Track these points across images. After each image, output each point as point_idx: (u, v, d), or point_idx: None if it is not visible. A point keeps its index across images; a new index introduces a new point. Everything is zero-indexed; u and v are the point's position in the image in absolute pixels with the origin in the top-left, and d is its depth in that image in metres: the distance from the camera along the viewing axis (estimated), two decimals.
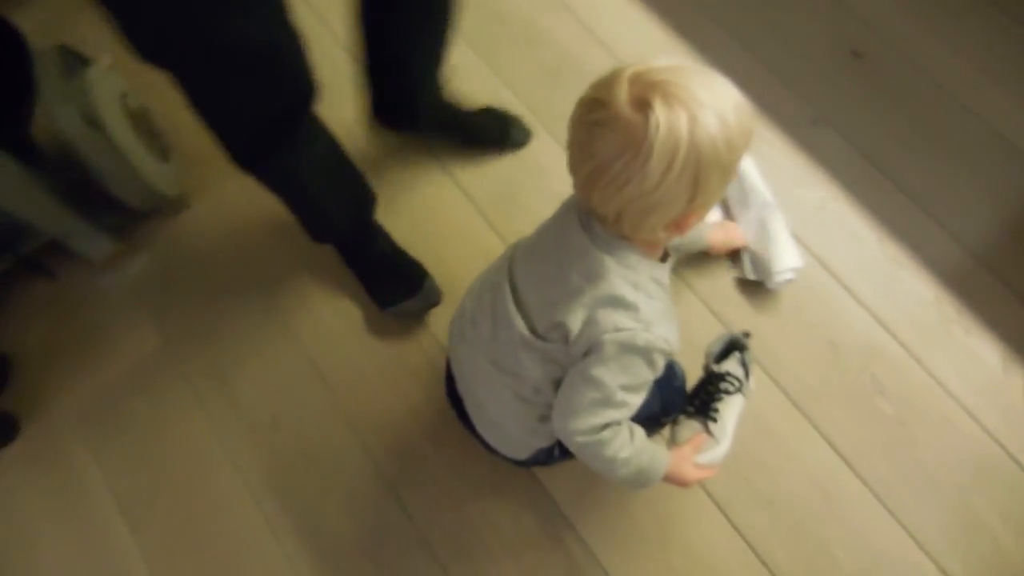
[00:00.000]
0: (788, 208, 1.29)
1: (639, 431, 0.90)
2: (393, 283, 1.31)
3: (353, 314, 1.33)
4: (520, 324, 0.86)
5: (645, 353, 0.81)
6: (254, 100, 0.93)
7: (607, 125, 0.69)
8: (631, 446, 0.88)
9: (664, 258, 0.86)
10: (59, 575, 1.22)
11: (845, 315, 1.23)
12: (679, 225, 0.76)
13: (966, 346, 1.19)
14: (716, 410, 1.12)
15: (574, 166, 0.75)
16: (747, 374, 1.16)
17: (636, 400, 0.86)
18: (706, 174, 0.69)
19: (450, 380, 1.09)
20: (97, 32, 1.19)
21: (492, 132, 1.42)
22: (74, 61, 1.26)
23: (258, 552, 1.19)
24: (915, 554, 1.09)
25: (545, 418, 0.93)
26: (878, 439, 1.15)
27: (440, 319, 1.30)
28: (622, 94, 0.68)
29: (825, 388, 1.19)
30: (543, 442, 1.00)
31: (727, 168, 0.71)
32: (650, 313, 0.80)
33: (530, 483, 1.18)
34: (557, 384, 0.89)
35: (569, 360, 0.85)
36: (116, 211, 1.34)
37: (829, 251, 1.26)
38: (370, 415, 1.26)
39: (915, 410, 1.16)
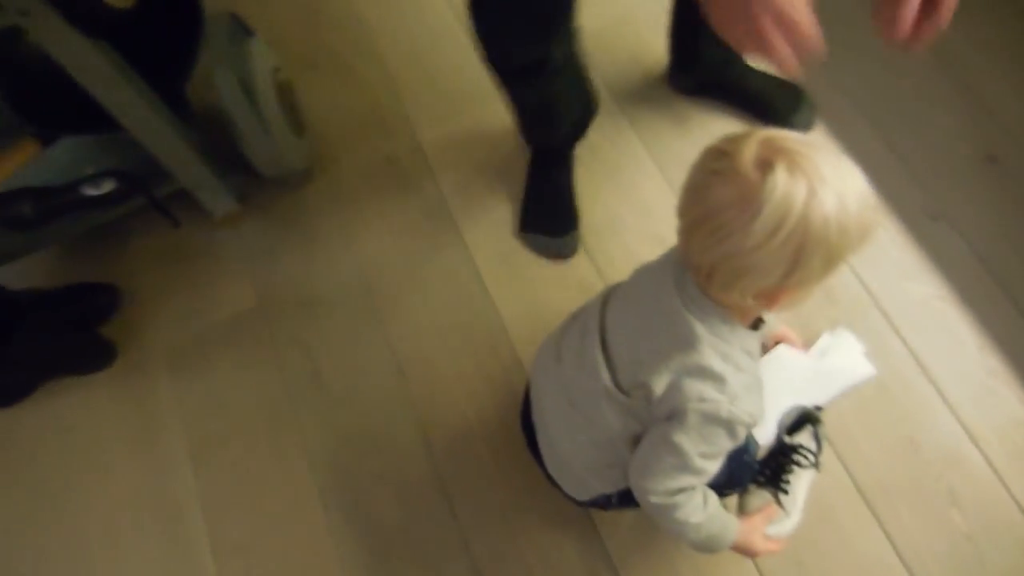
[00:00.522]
0: (892, 300, 1.27)
1: (713, 498, 0.90)
2: (549, 214, 1.39)
3: (441, 316, 1.37)
4: (605, 375, 0.87)
5: (728, 425, 0.81)
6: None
7: (725, 175, 0.69)
8: (703, 512, 0.88)
9: (756, 325, 0.85)
10: (121, 496, 1.29)
11: (932, 416, 1.19)
12: (769, 298, 0.74)
13: None
14: (787, 482, 1.10)
15: (683, 208, 0.75)
16: (819, 448, 1.14)
17: (713, 467, 0.86)
18: (810, 251, 0.67)
19: (526, 406, 1.11)
20: (262, 7, 1.30)
21: (780, 104, 1.43)
22: (240, 30, 1.35)
23: (305, 519, 1.24)
24: None
25: (613, 466, 0.93)
26: (943, 550, 1.11)
27: (524, 339, 1.32)
28: (749, 151, 0.68)
29: (897, 486, 1.15)
30: (606, 488, 1.00)
31: (833, 253, 0.69)
32: (737, 386, 0.80)
33: (582, 517, 1.18)
34: (633, 438, 0.89)
35: (650, 419, 0.86)
36: (244, 174, 1.42)
37: (926, 349, 1.23)
38: (438, 414, 1.29)
39: (989, 529, 1.11)
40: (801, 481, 1.11)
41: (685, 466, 0.83)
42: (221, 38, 1.27)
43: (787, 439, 1.14)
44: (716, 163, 0.70)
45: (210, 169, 1.35)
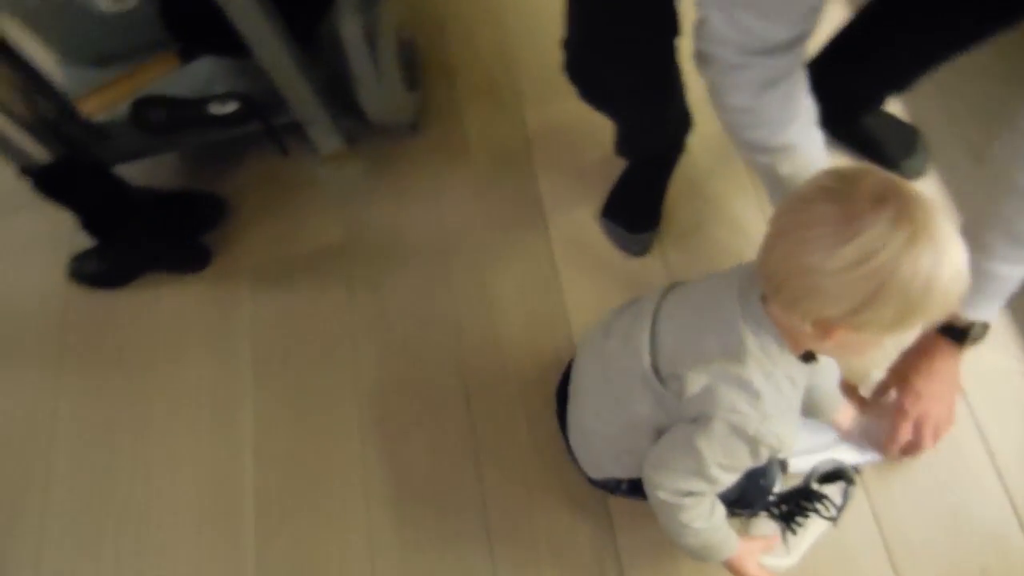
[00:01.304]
0: (969, 363, 1.20)
1: (720, 509, 0.90)
2: (632, 208, 1.40)
3: (508, 287, 1.41)
4: (646, 358, 0.88)
5: (752, 442, 0.81)
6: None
7: (835, 194, 0.68)
8: (707, 520, 0.88)
9: (807, 359, 0.83)
10: (187, 387, 1.41)
11: (981, 490, 1.13)
12: (827, 330, 0.72)
13: None
14: (800, 524, 1.09)
15: (778, 214, 0.73)
16: (844, 505, 1.11)
17: (728, 479, 0.86)
18: (887, 297, 0.66)
19: (565, 376, 1.14)
20: None
21: (894, 146, 1.37)
22: None
23: (342, 445, 1.31)
24: None
25: (630, 452, 0.95)
26: None
27: (582, 323, 1.35)
28: (868, 182, 0.67)
29: (927, 552, 1.10)
30: (618, 472, 1.02)
31: (909, 310, 0.66)
32: (772, 406, 0.79)
33: (601, 508, 1.20)
34: (656, 429, 0.90)
35: (677, 414, 0.86)
36: (355, 118, 1.50)
37: (993, 422, 1.17)
38: (485, 378, 1.33)
39: None
40: (813, 528, 1.09)
41: (701, 472, 0.83)
42: None
43: (816, 486, 1.11)
44: (831, 182, 0.69)
45: (325, 107, 1.44)
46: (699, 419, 0.82)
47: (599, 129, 1.50)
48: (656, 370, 0.87)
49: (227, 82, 1.45)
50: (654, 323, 0.90)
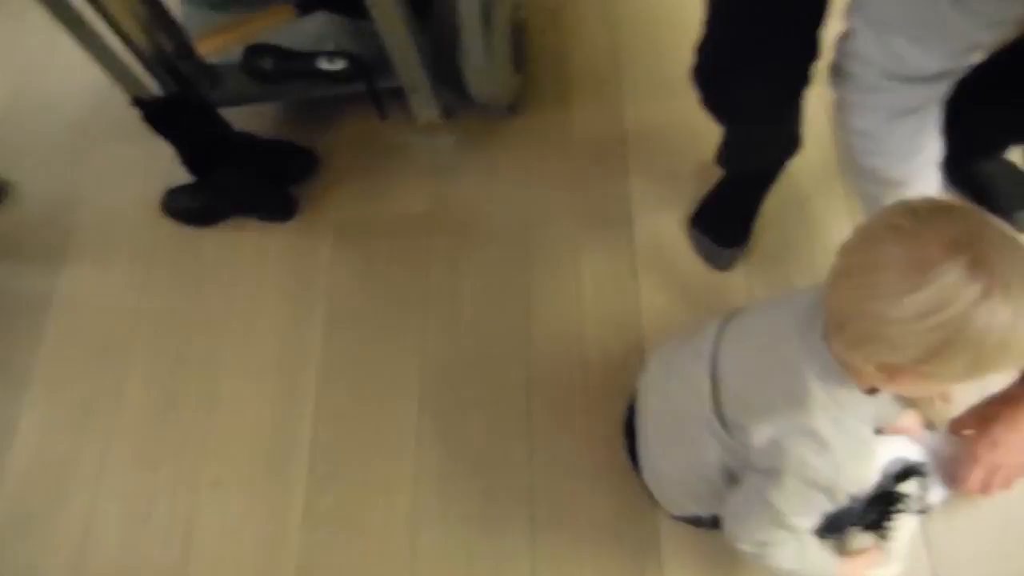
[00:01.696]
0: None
1: (811, 543, 0.88)
2: (723, 221, 1.37)
3: (584, 281, 1.40)
4: (708, 405, 0.85)
5: (828, 491, 0.78)
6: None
7: (904, 234, 0.64)
8: (799, 560, 0.86)
9: (873, 390, 0.79)
10: (260, 331, 1.44)
11: None
12: (892, 374, 0.68)
13: None
14: (891, 529, 1.05)
15: (846, 249, 0.69)
16: (927, 491, 1.07)
17: (809, 523, 0.84)
18: (956, 350, 0.62)
19: (630, 413, 1.12)
20: None
21: (1008, 196, 1.31)
22: None
23: (399, 412, 1.33)
24: None
25: (708, 492, 0.93)
26: None
27: (653, 329, 1.33)
28: (942, 223, 0.63)
29: None
30: (700, 510, 1.01)
31: (983, 362, 0.63)
32: (843, 453, 0.76)
33: (648, 513, 1.18)
34: (727, 472, 0.88)
35: (747, 462, 0.84)
36: (456, 92, 1.51)
37: None
38: (549, 367, 1.33)
39: None
40: (906, 528, 1.04)
41: (778, 522, 0.81)
42: None
43: (893, 487, 1.06)
44: (901, 218, 0.65)
45: (429, 76, 1.44)
46: (770, 472, 0.80)
47: (699, 136, 1.48)
48: (720, 417, 0.84)
49: (338, 40, 1.47)
50: (714, 365, 0.86)
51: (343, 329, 1.42)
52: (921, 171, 0.88)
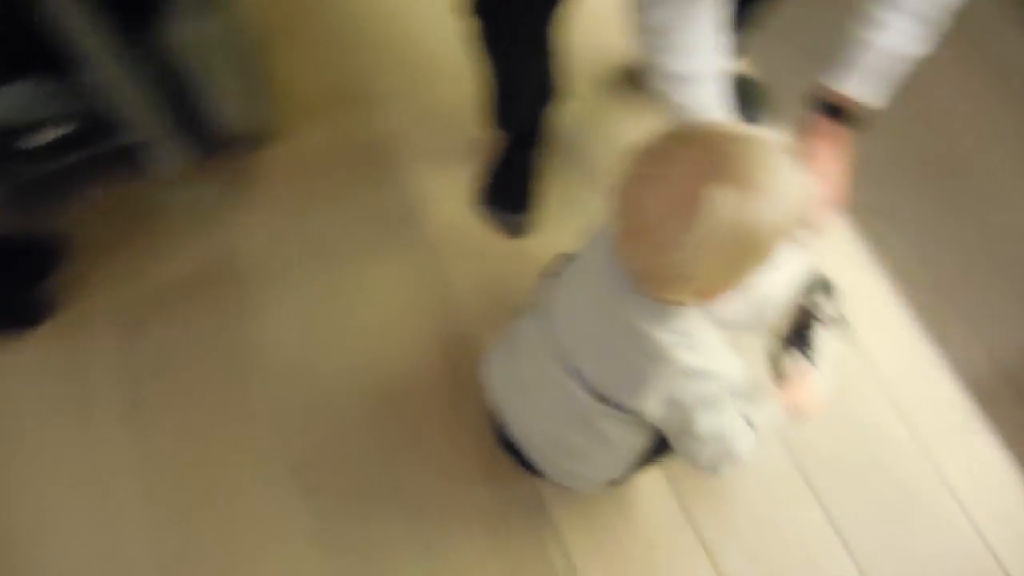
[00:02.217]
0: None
1: (745, 418, 0.90)
2: (507, 190, 1.42)
3: (392, 274, 1.38)
4: (584, 397, 0.88)
5: (734, 387, 0.84)
6: None
7: (657, 183, 0.68)
8: (750, 434, 0.90)
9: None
10: (41, 456, 1.24)
11: (867, 396, 1.26)
12: (707, 295, 0.74)
13: (974, 448, 1.22)
14: (812, 341, 1.08)
15: (618, 214, 0.73)
16: (836, 301, 1.13)
17: (730, 412, 0.87)
18: (746, 256, 0.69)
19: (501, 431, 1.12)
20: None
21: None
22: None
23: (243, 476, 1.21)
24: None
25: (622, 458, 0.98)
26: (873, 518, 1.17)
27: (478, 308, 1.34)
28: (682, 154, 0.68)
29: (832, 459, 1.21)
30: (615, 474, 1.04)
31: (769, 251, 0.70)
32: (714, 362, 0.81)
33: (527, 487, 1.20)
34: (641, 428, 0.91)
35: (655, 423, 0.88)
36: (203, 131, 1.40)
37: (868, 337, 1.30)
38: (386, 376, 1.29)
39: (912, 495, 1.19)
40: (826, 338, 1.09)
41: (716, 436, 0.86)
42: None
43: (803, 300, 1.11)
44: (649, 167, 0.70)
45: (167, 123, 1.33)
46: (682, 426, 0.84)
47: (458, 119, 1.53)
48: (603, 400, 0.87)
49: (51, 105, 1.29)
50: (568, 364, 0.89)
51: (151, 417, 1.26)
52: (705, 66, 0.95)
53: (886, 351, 1.29)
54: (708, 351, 0.81)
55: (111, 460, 1.23)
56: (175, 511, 1.19)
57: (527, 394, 0.99)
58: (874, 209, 1.40)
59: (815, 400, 1.01)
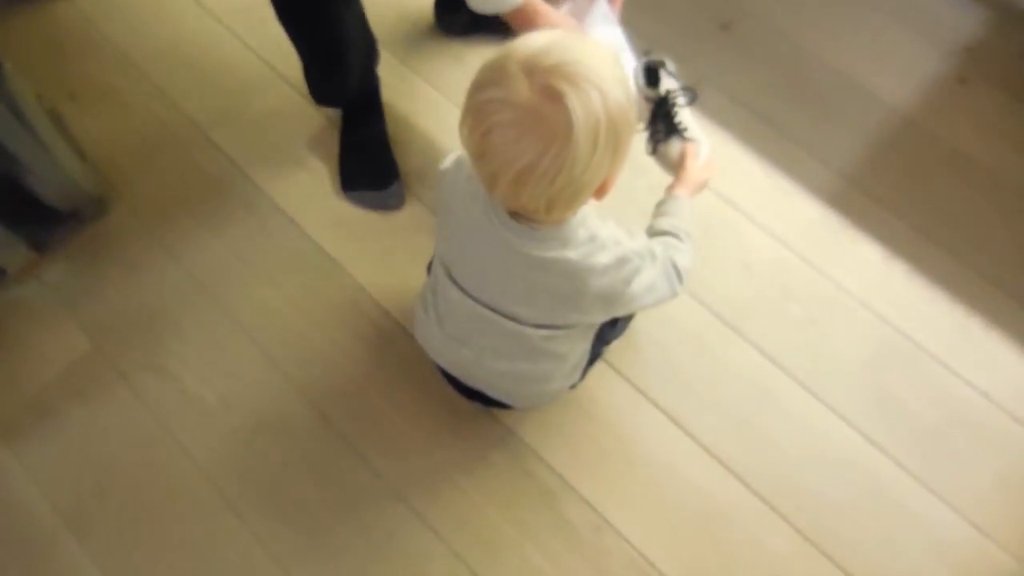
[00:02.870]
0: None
1: (663, 243, 0.98)
2: (366, 170, 1.41)
3: (295, 295, 1.34)
4: (527, 330, 0.92)
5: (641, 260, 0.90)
6: None
7: (522, 124, 0.69)
8: (688, 250, 0.99)
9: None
10: None
11: (751, 239, 1.37)
12: (602, 190, 0.78)
13: (852, 251, 1.36)
14: (680, 122, 1.15)
15: (490, 173, 0.73)
16: (680, 80, 1.20)
17: (654, 266, 0.92)
18: (623, 139, 0.73)
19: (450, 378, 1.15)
20: None
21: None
22: None
23: (223, 535, 1.16)
24: (844, 430, 1.22)
25: (580, 362, 1.05)
26: (796, 339, 1.29)
27: (385, 291, 1.34)
28: (524, 88, 0.68)
29: (745, 302, 1.32)
30: (576, 378, 1.10)
31: (633, 122, 0.75)
32: (622, 244, 0.87)
33: (492, 424, 1.22)
34: (589, 329, 0.99)
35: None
36: (32, 217, 1.30)
37: (729, 188, 1.41)
38: (324, 385, 1.26)
39: (821, 309, 1.31)
40: (687, 114, 1.16)
41: (651, 287, 0.92)
42: None
43: (653, 92, 1.17)
44: (502, 114, 0.70)
45: None
46: (621, 294, 0.89)
47: (293, 117, 1.51)
48: (545, 326, 0.92)
49: None
50: (496, 308, 0.92)
51: (94, 517, 1.17)
52: None
53: (752, 198, 1.41)
54: (612, 240, 0.87)
55: (68, 565, 1.15)
56: None
57: (469, 346, 1.00)
58: (695, 80, 1.52)
59: (710, 164, 1.11)
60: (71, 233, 1.38)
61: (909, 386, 1.25)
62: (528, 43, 0.71)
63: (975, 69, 1.55)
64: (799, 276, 1.34)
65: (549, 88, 0.67)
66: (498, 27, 1.54)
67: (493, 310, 0.92)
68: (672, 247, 0.98)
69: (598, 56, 0.71)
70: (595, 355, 1.12)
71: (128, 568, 1.14)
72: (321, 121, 1.49)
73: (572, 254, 0.83)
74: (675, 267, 0.97)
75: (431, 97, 1.53)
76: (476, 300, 0.93)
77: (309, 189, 1.44)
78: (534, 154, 0.69)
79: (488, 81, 0.71)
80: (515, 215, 0.82)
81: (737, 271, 1.34)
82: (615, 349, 1.26)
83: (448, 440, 1.22)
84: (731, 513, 1.17)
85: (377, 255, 1.37)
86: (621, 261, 0.87)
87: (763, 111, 1.49)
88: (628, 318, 1.22)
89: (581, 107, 0.67)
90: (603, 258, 0.85)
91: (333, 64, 1.29)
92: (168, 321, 1.32)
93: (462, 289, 0.94)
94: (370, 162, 1.43)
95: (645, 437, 1.22)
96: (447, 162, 0.93)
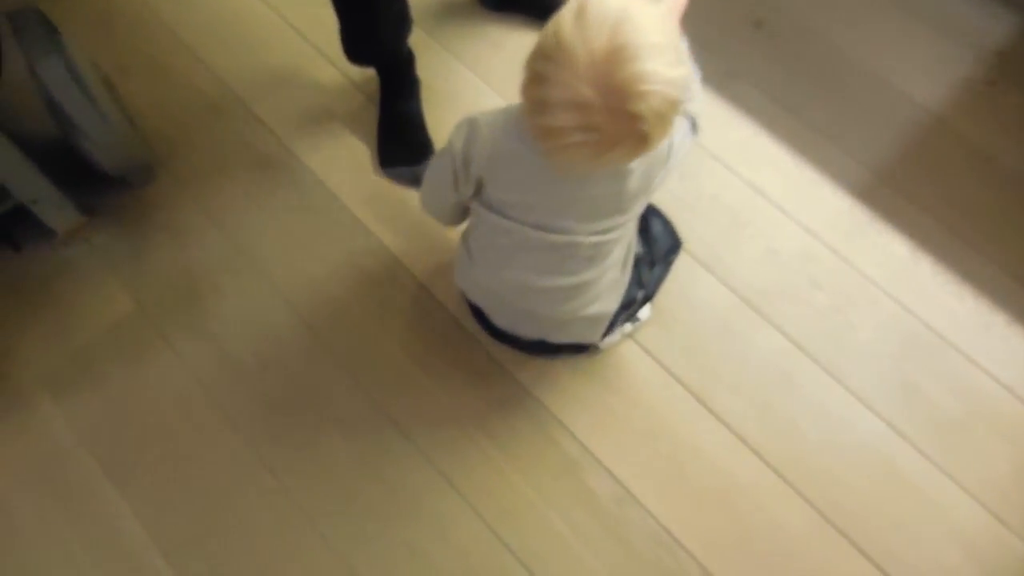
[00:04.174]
0: (719, 146, 1.47)
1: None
2: (404, 146, 1.45)
3: (334, 266, 1.38)
4: (580, 239, 0.96)
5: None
6: None
7: (599, 146, 0.76)
8: (697, 97, 1.03)
9: None
10: (45, 545, 1.17)
11: (779, 227, 1.40)
12: (650, 148, 0.81)
13: (881, 244, 1.38)
14: None
15: (563, 146, 0.78)
16: None
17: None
18: (677, 106, 0.76)
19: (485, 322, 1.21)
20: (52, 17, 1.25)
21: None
22: (47, 25, 1.28)
23: (256, 490, 1.20)
24: (866, 416, 1.24)
25: (612, 289, 1.09)
26: (821, 326, 1.31)
27: (420, 265, 1.37)
28: (600, 115, 0.73)
29: (772, 288, 1.34)
30: (617, 300, 1.13)
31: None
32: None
33: (520, 393, 1.26)
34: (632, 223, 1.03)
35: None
36: (83, 181, 1.35)
37: (759, 178, 1.44)
38: (358, 351, 1.30)
39: (847, 299, 1.33)
40: None
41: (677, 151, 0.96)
42: (33, 30, 1.20)
43: None
44: (573, 137, 0.76)
45: (46, 177, 1.27)
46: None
47: (336, 94, 1.56)
48: (596, 232, 0.96)
49: None
50: (547, 227, 0.96)
51: (133, 469, 1.22)
52: None
53: (782, 189, 1.44)
54: None
55: (107, 514, 1.19)
56: (187, 542, 1.17)
57: (511, 267, 1.04)
58: (729, 74, 1.55)
59: None
60: (119, 198, 1.43)
61: (932, 376, 1.27)
62: (589, 39, 0.72)
63: (1004, 72, 1.57)
64: (826, 265, 1.36)
65: (624, 113, 0.72)
66: (531, 7, 1.59)
67: (542, 229, 0.96)
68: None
69: (657, 35, 0.73)
70: (630, 300, 1.15)
71: (164, 518, 1.18)
72: (361, 99, 1.54)
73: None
74: (690, 118, 1.01)
75: (466, 78, 1.57)
76: (524, 223, 0.96)
77: (348, 163, 1.48)
78: (610, 157, 0.78)
79: (558, 99, 0.74)
80: None
81: (765, 258, 1.37)
82: (643, 328, 1.29)
83: (477, 407, 1.25)
84: (751, 491, 1.19)
85: (413, 228, 1.41)
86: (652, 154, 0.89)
87: (794, 106, 1.52)
88: (662, 271, 1.25)
89: (653, 117, 0.73)
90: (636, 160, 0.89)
91: (367, 21, 1.33)
92: (209, 285, 1.36)
93: (508, 217, 0.97)
94: (406, 139, 1.47)
95: (669, 413, 1.24)
96: (457, 140, 0.96)
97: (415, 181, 1.45)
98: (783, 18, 1.63)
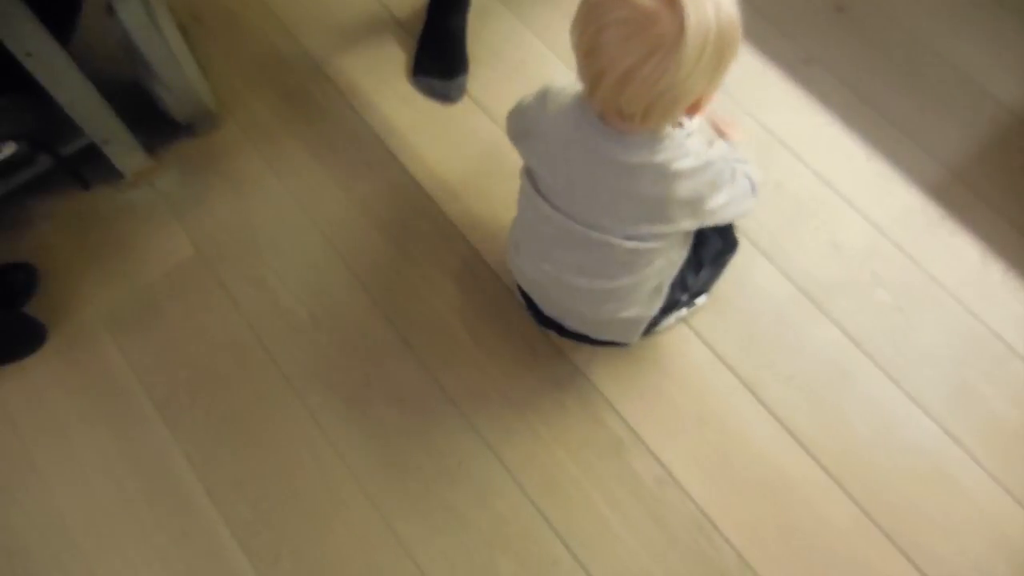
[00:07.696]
0: (789, 133, 1.44)
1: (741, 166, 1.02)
2: (440, 58, 1.47)
3: (386, 221, 1.39)
4: (616, 241, 0.94)
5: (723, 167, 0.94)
6: None
7: (635, 23, 0.71)
8: (753, 168, 1.03)
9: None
10: (96, 470, 1.20)
11: (845, 221, 1.36)
12: (696, 107, 0.82)
13: (951, 244, 1.34)
14: None
15: (597, 71, 0.76)
16: None
17: (735, 179, 0.97)
18: (727, 54, 0.74)
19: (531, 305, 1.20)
20: None
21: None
22: None
23: (303, 441, 1.22)
24: (923, 419, 1.21)
25: (653, 297, 1.08)
26: (881, 324, 1.28)
27: (478, 232, 1.37)
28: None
29: (832, 282, 1.31)
30: (657, 305, 1.11)
31: (737, 45, 0.76)
32: (707, 151, 0.90)
33: (570, 370, 1.25)
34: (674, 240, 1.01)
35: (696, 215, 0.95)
36: (152, 125, 1.37)
37: (828, 168, 1.41)
38: (410, 313, 1.31)
39: (911, 298, 1.30)
40: None
41: (735, 200, 0.96)
42: None
43: None
44: (617, 12, 0.72)
45: (118, 118, 1.29)
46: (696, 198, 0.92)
47: (399, 57, 1.54)
48: (632, 238, 0.94)
49: None
50: (583, 222, 0.95)
51: (186, 410, 1.24)
52: None
53: (851, 180, 1.40)
54: (696, 147, 0.89)
55: (156, 449, 1.22)
56: (233, 484, 1.19)
57: (550, 261, 1.04)
58: (805, 59, 1.51)
59: (736, 122, 1.12)
60: (184, 144, 1.45)
61: (993, 383, 1.23)
62: None
63: None
64: (891, 262, 1.33)
65: (673, 2, 0.69)
66: None
67: (581, 223, 0.95)
68: (739, 162, 1.01)
69: None
70: (673, 302, 1.14)
71: (212, 460, 1.21)
72: None
73: (658, 158, 0.86)
74: (749, 178, 1.00)
75: (535, 46, 1.55)
76: (566, 215, 0.95)
77: (413, 127, 1.48)
78: (641, 55, 0.71)
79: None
80: (608, 124, 0.85)
81: (828, 251, 1.34)
82: (698, 313, 1.27)
83: (526, 380, 1.25)
84: (795, 484, 1.18)
85: (471, 195, 1.40)
86: (706, 165, 0.89)
87: (871, 95, 1.47)
88: (712, 273, 1.23)
89: (695, 14, 0.69)
90: (688, 162, 0.87)
91: None
92: (268, 236, 1.38)
93: (552, 205, 0.97)
94: (443, 52, 1.48)
95: (718, 400, 1.23)
96: (528, 99, 0.98)
97: (439, 96, 1.47)
98: (867, 3, 1.57)
